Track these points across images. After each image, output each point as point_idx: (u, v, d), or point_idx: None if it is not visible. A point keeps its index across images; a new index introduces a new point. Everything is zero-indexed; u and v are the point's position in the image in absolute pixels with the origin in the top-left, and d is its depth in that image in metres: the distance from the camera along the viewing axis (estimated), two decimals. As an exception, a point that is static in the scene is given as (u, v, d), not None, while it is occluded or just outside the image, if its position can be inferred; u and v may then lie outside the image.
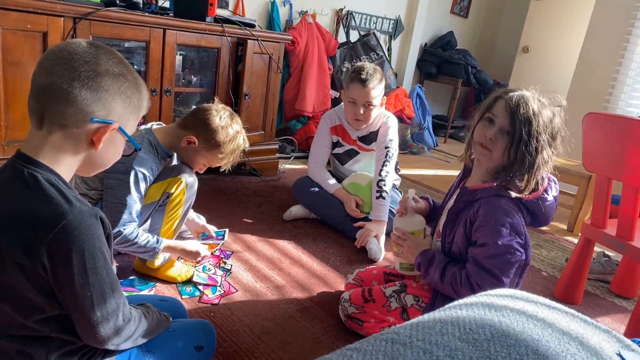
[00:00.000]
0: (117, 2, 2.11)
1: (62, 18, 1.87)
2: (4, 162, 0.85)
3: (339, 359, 0.60)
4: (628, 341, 0.72)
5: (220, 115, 1.55)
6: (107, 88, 0.83)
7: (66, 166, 0.85)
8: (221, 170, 1.65)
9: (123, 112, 0.88)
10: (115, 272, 0.90)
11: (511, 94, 1.27)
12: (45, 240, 0.76)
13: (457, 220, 1.34)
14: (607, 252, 2.21)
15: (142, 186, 1.44)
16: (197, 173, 1.64)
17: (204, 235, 1.77)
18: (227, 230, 1.81)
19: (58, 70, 0.81)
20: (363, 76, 2.12)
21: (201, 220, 1.81)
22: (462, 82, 4.63)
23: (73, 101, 0.80)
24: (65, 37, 1.88)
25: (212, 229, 1.79)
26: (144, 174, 1.44)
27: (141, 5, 2.25)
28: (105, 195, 1.45)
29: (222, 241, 1.76)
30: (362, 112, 2.17)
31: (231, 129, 1.56)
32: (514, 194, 1.26)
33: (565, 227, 2.80)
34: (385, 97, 2.30)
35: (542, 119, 1.23)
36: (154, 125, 1.59)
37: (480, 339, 0.64)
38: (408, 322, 0.71)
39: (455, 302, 0.78)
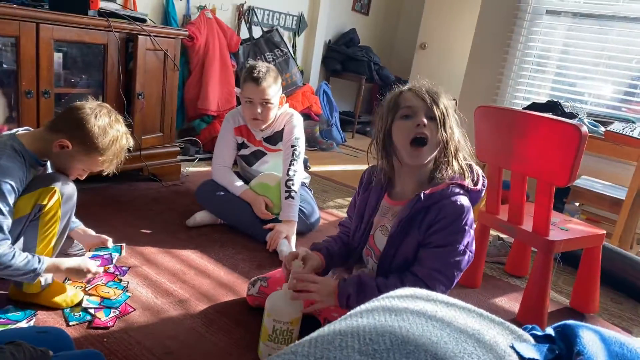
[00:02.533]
0: (-24, -9, 1.84)
1: None
2: None
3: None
4: (520, 331, 0.74)
5: (96, 114, 1.38)
6: None
7: None
8: (104, 174, 1.48)
9: None
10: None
11: (409, 85, 1.31)
12: None
13: (408, 229, 1.29)
14: (501, 236, 2.38)
15: (10, 198, 1.25)
16: (79, 181, 1.46)
17: (95, 254, 1.60)
18: (124, 244, 1.65)
19: None
20: (255, 74, 2.07)
21: (90, 231, 1.63)
22: (365, 79, 4.74)
23: None
24: None
25: (107, 239, 1.62)
26: (10, 185, 1.24)
27: (8, -4, 1.98)
28: None
29: (115, 258, 1.60)
30: (259, 111, 2.12)
31: (110, 128, 1.39)
32: (470, 186, 1.27)
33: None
34: (284, 95, 2.26)
35: (445, 101, 1.29)
36: (20, 130, 1.39)
37: (380, 349, 0.61)
38: (307, 338, 0.66)
39: (357, 309, 0.75)
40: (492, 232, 2.23)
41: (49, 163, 1.44)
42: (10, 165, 1.26)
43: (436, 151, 1.28)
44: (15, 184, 1.26)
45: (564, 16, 3.18)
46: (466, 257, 1.26)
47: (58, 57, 2.17)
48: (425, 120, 1.25)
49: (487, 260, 2.17)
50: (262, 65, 2.13)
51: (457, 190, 1.27)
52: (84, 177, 1.48)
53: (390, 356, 0.60)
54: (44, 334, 1.14)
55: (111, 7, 2.47)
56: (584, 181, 2.86)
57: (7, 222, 1.26)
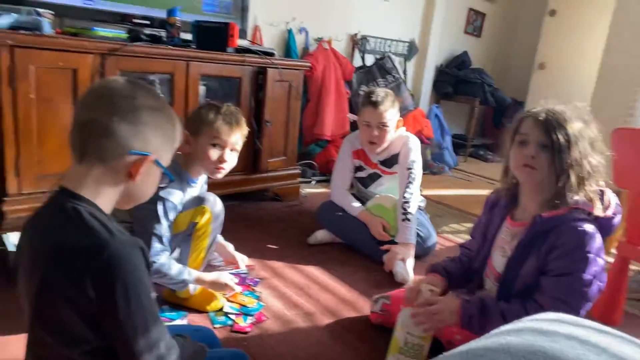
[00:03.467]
0: (142, 37, 2.18)
1: (92, 55, 1.93)
2: (47, 197, 0.87)
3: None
4: (688, 366, 0.69)
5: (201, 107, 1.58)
6: (144, 121, 0.86)
7: (106, 198, 0.87)
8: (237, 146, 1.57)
9: (160, 145, 0.90)
10: (155, 301, 0.91)
11: (535, 110, 1.28)
12: (89, 271, 0.77)
13: (528, 253, 1.27)
14: (643, 270, 2.15)
15: (171, 215, 1.46)
16: (221, 200, 1.64)
17: (234, 271, 1.79)
18: (251, 267, 1.85)
19: (98, 106, 0.84)
20: (373, 98, 2.17)
21: (229, 247, 1.81)
22: (479, 101, 4.62)
23: (113, 135, 0.83)
24: (95, 73, 1.94)
25: (242, 258, 1.80)
26: (172, 203, 1.46)
27: (165, 39, 2.32)
28: (135, 227, 1.47)
29: (247, 277, 1.79)
30: (376, 133, 2.19)
31: (204, 103, 1.54)
32: (597, 212, 1.21)
33: (595, 244, 2.72)
34: (401, 118, 2.31)
35: (574, 125, 1.22)
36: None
37: (535, 366, 0.62)
38: (457, 350, 0.69)
39: (502, 328, 0.76)
40: (634, 267, 2.03)
41: (198, 181, 1.64)
42: (175, 188, 1.48)
43: (553, 176, 1.23)
44: (176, 202, 1.48)
45: None
46: (594, 287, 1.19)
47: (201, 89, 2.47)
48: (533, 152, 1.23)
49: (628, 297, 1.97)
50: (380, 90, 2.22)
51: (580, 215, 1.21)
52: (223, 162, 1.53)
53: (547, 374, 0.60)
54: (199, 331, 1.30)
55: (243, 43, 2.75)
56: None
57: (168, 236, 1.47)
